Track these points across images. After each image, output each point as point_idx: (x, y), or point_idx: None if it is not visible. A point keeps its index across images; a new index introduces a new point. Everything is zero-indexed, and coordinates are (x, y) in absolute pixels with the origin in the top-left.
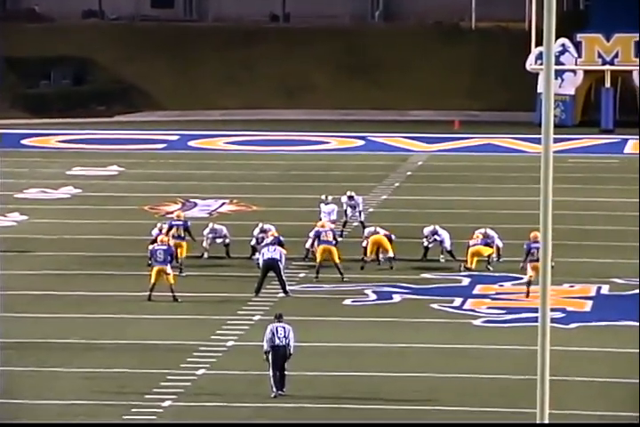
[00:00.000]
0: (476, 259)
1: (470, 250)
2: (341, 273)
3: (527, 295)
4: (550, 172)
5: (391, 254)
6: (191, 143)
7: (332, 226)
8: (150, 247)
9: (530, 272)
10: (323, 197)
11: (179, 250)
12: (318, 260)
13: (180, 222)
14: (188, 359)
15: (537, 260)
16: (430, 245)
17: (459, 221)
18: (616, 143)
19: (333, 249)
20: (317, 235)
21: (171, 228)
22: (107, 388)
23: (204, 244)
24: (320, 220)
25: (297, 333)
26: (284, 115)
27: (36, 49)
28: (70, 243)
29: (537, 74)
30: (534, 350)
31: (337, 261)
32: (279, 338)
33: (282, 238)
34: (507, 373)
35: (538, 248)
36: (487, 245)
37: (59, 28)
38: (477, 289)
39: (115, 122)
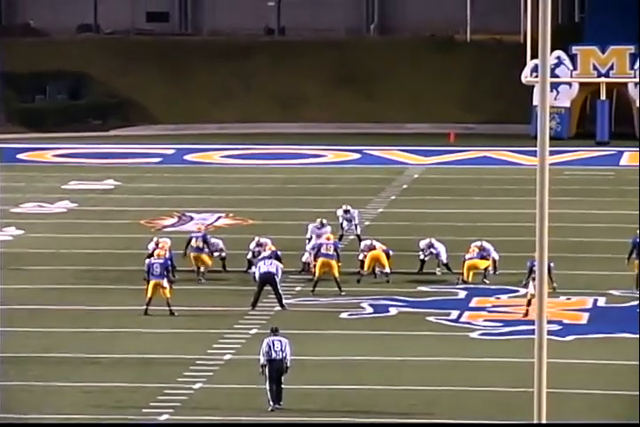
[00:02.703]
0: (472, 272)
1: (467, 263)
2: (339, 287)
3: (526, 315)
4: (546, 184)
5: (388, 270)
6: (187, 157)
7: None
8: (147, 261)
9: (532, 291)
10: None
11: (199, 262)
12: (317, 273)
13: (200, 234)
14: (185, 373)
15: None
16: (426, 258)
17: (455, 234)
18: (612, 155)
19: (333, 263)
20: (318, 247)
21: (190, 240)
22: (104, 402)
23: None
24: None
25: (293, 346)
26: (279, 128)
27: (31, 63)
28: (66, 257)
29: (532, 86)
30: (531, 362)
31: (336, 275)
32: (276, 351)
33: (278, 252)
34: (504, 385)
35: None
36: (483, 257)
37: (54, 43)
38: (474, 302)
39: (110, 136)
